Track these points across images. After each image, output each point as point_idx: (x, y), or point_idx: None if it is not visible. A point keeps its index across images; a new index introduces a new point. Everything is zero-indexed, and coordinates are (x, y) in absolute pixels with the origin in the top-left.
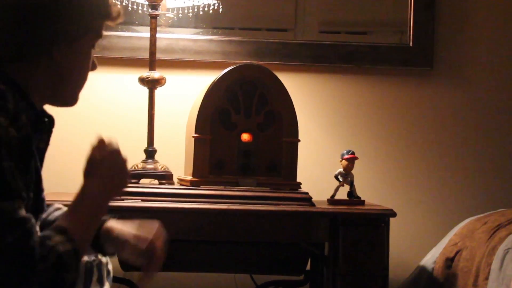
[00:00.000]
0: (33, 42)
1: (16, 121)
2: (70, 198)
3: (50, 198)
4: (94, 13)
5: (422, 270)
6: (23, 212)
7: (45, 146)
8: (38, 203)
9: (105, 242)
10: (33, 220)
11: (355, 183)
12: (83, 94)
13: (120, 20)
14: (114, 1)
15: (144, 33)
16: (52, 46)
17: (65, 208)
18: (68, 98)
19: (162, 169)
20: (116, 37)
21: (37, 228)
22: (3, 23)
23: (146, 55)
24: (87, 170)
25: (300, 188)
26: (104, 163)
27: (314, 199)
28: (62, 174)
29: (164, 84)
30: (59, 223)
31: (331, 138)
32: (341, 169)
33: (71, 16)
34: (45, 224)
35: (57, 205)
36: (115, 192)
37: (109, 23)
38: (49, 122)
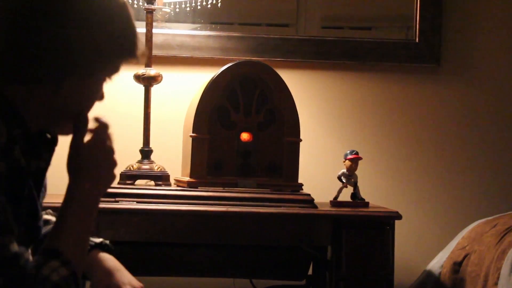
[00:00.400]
0: (43, 68)
1: (7, 154)
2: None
3: (48, 200)
4: (117, 52)
5: (428, 275)
6: (15, 247)
7: (45, 165)
8: (32, 232)
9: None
10: (26, 254)
11: (358, 184)
12: None
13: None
14: (140, 39)
15: (139, 28)
16: (63, 77)
17: (54, 219)
18: (64, 130)
19: (159, 170)
20: None
21: (30, 257)
22: (14, 40)
23: None
24: (71, 164)
25: (302, 189)
26: (90, 154)
27: (316, 201)
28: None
29: (160, 81)
30: (51, 244)
31: (334, 138)
32: (344, 170)
33: (91, 51)
34: (37, 242)
35: (46, 216)
36: (104, 187)
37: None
38: (51, 140)
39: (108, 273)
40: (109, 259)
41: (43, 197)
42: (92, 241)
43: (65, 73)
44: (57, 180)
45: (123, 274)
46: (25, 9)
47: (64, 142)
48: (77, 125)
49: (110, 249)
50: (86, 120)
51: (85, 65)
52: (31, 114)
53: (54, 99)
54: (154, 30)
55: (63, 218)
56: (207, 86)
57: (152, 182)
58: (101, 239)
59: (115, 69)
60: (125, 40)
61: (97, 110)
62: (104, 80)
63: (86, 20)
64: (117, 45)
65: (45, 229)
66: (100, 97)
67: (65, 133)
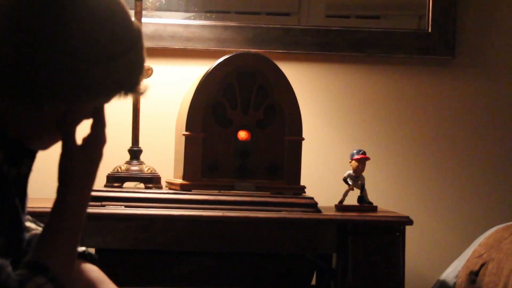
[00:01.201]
0: (26, 86)
1: None
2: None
3: (35, 204)
4: (116, 88)
5: (442, 285)
6: None
7: (27, 171)
8: (14, 243)
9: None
10: (8, 268)
11: (366, 186)
12: None
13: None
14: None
15: None
16: (45, 100)
17: (33, 226)
18: (43, 144)
19: (149, 171)
20: None
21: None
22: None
23: None
24: (63, 170)
25: (305, 192)
26: (86, 159)
27: (320, 205)
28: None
29: (150, 75)
30: (37, 257)
31: (339, 136)
32: (351, 171)
33: (87, 82)
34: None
35: (28, 224)
36: (92, 182)
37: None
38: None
39: (91, 286)
40: (92, 270)
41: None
42: None
43: (47, 96)
44: (39, 184)
45: (107, 286)
46: (21, 26)
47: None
48: (65, 127)
49: (93, 258)
50: (74, 121)
51: (72, 94)
52: (11, 124)
53: (36, 114)
54: (143, 20)
55: (51, 229)
56: (201, 80)
57: (142, 185)
58: (83, 248)
59: (108, 100)
60: (130, 77)
61: None
62: (93, 107)
63: (89, 49)
64: (119, 83)
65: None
66: (88, 116)
67: (43, 147)
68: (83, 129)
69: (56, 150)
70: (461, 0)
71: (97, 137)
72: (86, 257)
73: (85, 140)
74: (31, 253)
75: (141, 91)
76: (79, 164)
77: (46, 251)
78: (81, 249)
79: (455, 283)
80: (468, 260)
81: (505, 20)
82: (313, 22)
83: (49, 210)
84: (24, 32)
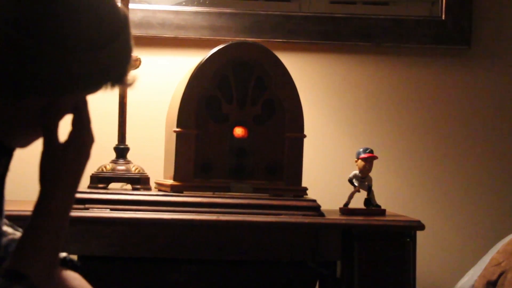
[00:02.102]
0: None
1: None
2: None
3: (12, 207)
4: (102, 79)
5: None
6: None
7: (4, 171)
8: None
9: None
10: None
11: (373, 188)
12: None
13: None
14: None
15: None
16: (26, 92)
17: (9, 230)
18: (21, 144)
19: (136, 171)
20: None
21: None
22: None
23: None
24: (45, 170)
25: (306, 194)
26: (70, 158)
27: (323, 208)
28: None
29: (138, 66)
30: (15, 265)
31: (344, 133)
32: (357, 171)
33: (69, 72)
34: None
35: (5, 228)
36: (77, 183)
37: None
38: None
39: None
40: (74, 278)
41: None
42: None
43: (29, 89)
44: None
45: None
46: (8, 19)
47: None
48: (47, 122)
49: (75, 265)
50: (57, 115)
51: (55, 85)
52: None
53: (15, 108)
54: (130, 5)
55: (30, 234)
56: (194, 72)
57: (129, 186)
58: (64, 254)
59: (94, 91)
60: (117, 67)
61: None
62: (78, 98)
63: (73, 37)
64: (105, 73)
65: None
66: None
67: (22, 145)
68: (67, 127)
69: (36, 147)
70: None
71: (83, 134)
72: (67, 264)
73: (69, 137)
74: (9, 260)
75: (129, 82)
76: (63, 163)
77: (25, 258)
78: (62, 255)
79: None
80: (485, 269)
81: None
82: (315, 9)
83: (28, 213)
84: (3, 21)
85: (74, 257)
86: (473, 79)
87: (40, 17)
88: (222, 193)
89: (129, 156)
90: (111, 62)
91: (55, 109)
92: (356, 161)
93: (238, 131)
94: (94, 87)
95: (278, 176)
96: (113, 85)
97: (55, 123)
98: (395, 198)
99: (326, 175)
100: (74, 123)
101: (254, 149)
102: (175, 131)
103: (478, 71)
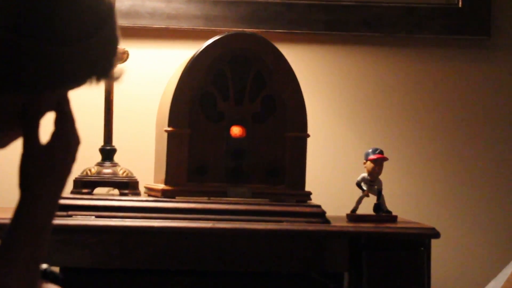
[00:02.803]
0: None
1: None
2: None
3: None
4: (88, 70)
5: None
6: None
7: None
8: None
9: None
10: None
11: (384, 192)
12: None
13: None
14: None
15: None
16: (4, 88)
17: None
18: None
19: (124, 175)
20: None
21: None
22: None
23: None
24: (25, 174)
25: (310, 199)
26: (52, 160)
27: (328, 214)
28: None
29: (126, 59)
30: None
31: (351, 133)
32: (365, 174)
33: (48, 65)
34: None
35: None
36: (61, 190)
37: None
38: None
39: None
40: None
41: None
42: None
43: (8, 84)
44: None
45: None
46: None
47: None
48: (27, 120)
49: (56, 277)
50: (39, 113)
51: (36, 80)
52: None
53: None
54: None
55: (9, 243)
56: (187, 66)
57: (116, 191)
58: (45, 266)
59: (77, 86)
60: (102, 60)
61: None
62: (60, 93)
63: (54, 28)
64: (90, 66)
65: None
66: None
67: (1, 145)
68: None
69: (16, 148)
70: None
71: (67, 134)
72: (48, 276)
73: (53, 137)
74: None
75: (115, 76)
76: (46, 166)
77: (4, 269)
78: (42, 267)
79: None
80: (507, 281)
81: None
82: None
83: (7, 221)
84: None
85: (56, 269)
86: (494, 72)
87: (18, 9)
88: (218, 198)
89: (116, 158)
90: (95, 54)
91: (36, 106)
92: (364, 163)
93: (235, 131)
94: (78, 82)
95: (279, 180)
96: (98, 80)
97: (36, 122)
98: (407, 203)
99: (331, 178)
100: (57, 122)
101: (252, 150)
102: (166, 131)
103: (499, 63)
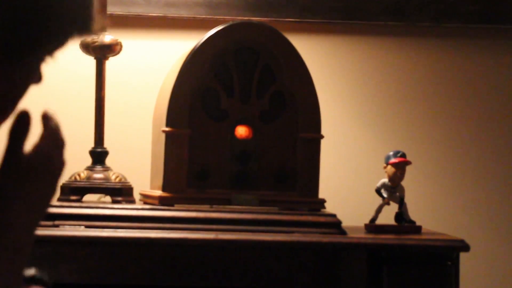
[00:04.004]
0: None
1: None
2: None
3: None
4: (66, 23)
5: None
6: None
7: None
8: None
9: None
10: None
11: (406, 200)
12: None
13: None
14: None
15: None
16: None
17: None
18: None
19: (117, 180)
20: None
21: None
22: None
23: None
24: (6, 184)
25: (324, 207)
26: (36, 168)
27: (344, 224)
28: None
29: (118, 52)
30: None
31: (370, 133)
32: (386, 180)
33: (21, 21)
34: None
35: None
36: (46, 206)
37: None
38: None
39: None
40: None
41: None
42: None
43: None
44: None
45: None
46: None
47: None
48: (15, 127)
49: (45, 284)
50: (27, 119)
51: (12, 41)
52: None
53: None
54: None
55: None
56: (187, 59)
57: (108, 198)
58: (33, 272)
59: (57, 46)
60: (80, 10)
61: (33, 94)
62: (41, 59)
63: None
64: (68, 19)
65: None
66: (37, 79)
67: None
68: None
69: None
70: None
71: (51, 134)
72: (36, 283)
73: (39, 140)
74: None
75: (97, 28)
76: (28, 173)
77: None
78: (29, 272)
79: None
80: None
81: None
82: None
83: None
84: None
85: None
86: None
87: None
88: (221, 206)
89: (108, 161)
90: (72, 5)
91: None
92: (385, 167)
93: (241, 131)
94: (57, 40)
95: (289, 186)
96: (80, 34)
97: (25, 129)
98: (433, 212)
99: (348, 184)
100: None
101: (260, 152)
102: (164, 131)
103: None
